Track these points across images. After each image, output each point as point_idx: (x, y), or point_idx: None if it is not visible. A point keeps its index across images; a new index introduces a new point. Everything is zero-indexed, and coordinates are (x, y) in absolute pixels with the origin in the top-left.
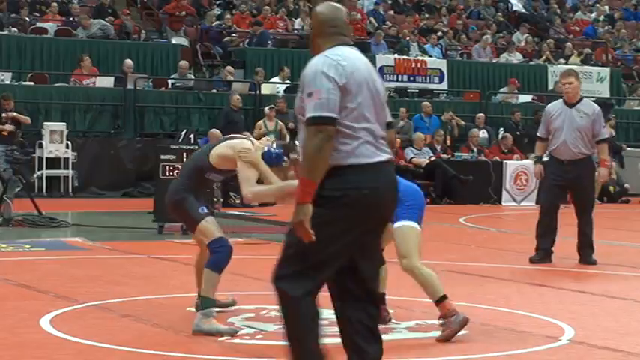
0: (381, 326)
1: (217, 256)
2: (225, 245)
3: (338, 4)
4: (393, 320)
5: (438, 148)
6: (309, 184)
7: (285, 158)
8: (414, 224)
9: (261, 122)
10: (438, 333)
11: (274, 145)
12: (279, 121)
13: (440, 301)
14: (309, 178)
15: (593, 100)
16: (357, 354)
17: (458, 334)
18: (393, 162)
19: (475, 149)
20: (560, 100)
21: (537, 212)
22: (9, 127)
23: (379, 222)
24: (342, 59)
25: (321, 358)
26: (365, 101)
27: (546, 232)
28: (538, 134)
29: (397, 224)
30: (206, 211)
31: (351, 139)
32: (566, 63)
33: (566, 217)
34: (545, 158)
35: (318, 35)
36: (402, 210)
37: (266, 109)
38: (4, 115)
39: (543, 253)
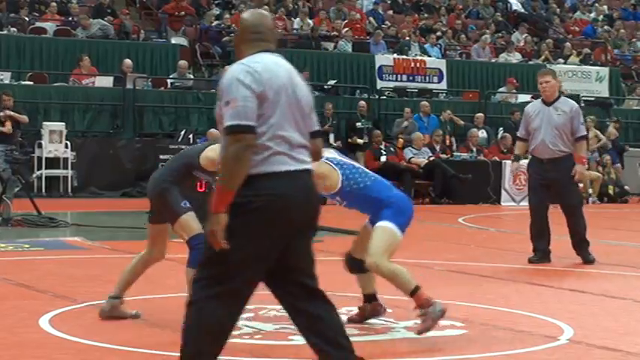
0: (380, 326)
1: (199, 254)
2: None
3: (264, 12)
4: (392, 320)
5: (437, 147)
6: (226, 193)
7: None
8: (393, 227)
9: None
10: (436, 332)
11: None
12: None
13: (414, 292)
14: (226, 187)
15: (592, 100)
16: (320, 354)
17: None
18: (311, 171)
19: (474, 149)
20: (539, 99)
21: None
22: (7, 129)
23: (298, 225)
24: (259, 66)
25: None
26: (282, 109)
27: (540, 232)
28: (518, 134)
29: (377, 223)
30: (188, 205)
31: (263, 148)
32: (565, 63)
33: (559, 216)
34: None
35: (241, 41)
36: (387, 212)
37: None
38: (1, 113)
39: (541, 254)
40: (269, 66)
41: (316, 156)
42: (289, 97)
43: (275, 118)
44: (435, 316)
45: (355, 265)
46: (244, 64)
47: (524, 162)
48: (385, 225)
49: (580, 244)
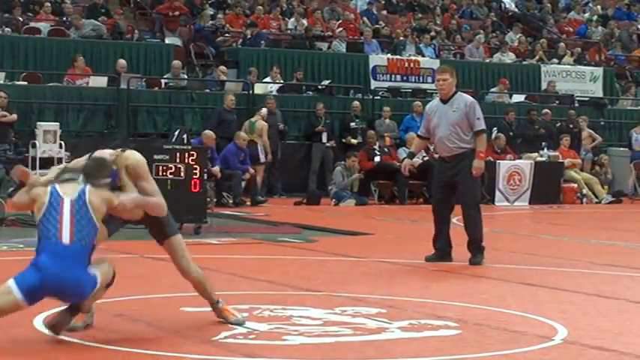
0: (374, 326)
1: None
2: None
3: None
4: (386, 320)
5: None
6: None
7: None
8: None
9: (265, 122)
10: (430, 333)
11: None
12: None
13: None
14: None
15: (586, 100)
16: None
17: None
18: None
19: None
20: (437, 98)
21: (531, 212)
22: None
23: None
24: None
25: None
26: None
27: (438, 232)
28: (418, 132)
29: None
30: None
31: None
32: (559, 63)
33: (553, 216)
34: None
35: None
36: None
37: (264, 109)
38: None
39: (440, 253)
40: None
41: None
42: None
43: None
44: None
45: None
46: None
47: (417, 160)
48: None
49: (470, 246)
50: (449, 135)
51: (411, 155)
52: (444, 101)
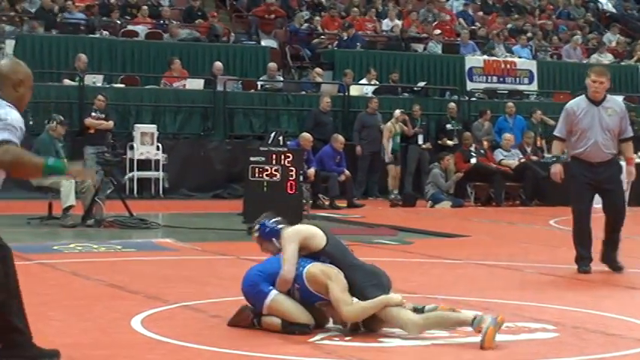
0: (460, 329)
1: None
2: None
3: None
4: None
5: (529, 149)
6: None
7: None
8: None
9: (390, 125)
10: (528, 336)
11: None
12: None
13: None
14: None
15: None
16: None
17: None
18: None
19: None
20: (582, 97)
21: (629, 214)
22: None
23: None
24: None
25: None
26: None
27: (588, 239)
28: (556, 133)
29: None
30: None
31: None
32: None
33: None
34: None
35: None
36: None
37: (397, 111)
38: (93, 114)
39: (589, 261)
40: None
41: None
42: None
43: None
44: None
45: None
46: None
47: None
48: None
49: (614, 248)
50: (604, 140)
51: (559, 159)
52: (595, 103)
